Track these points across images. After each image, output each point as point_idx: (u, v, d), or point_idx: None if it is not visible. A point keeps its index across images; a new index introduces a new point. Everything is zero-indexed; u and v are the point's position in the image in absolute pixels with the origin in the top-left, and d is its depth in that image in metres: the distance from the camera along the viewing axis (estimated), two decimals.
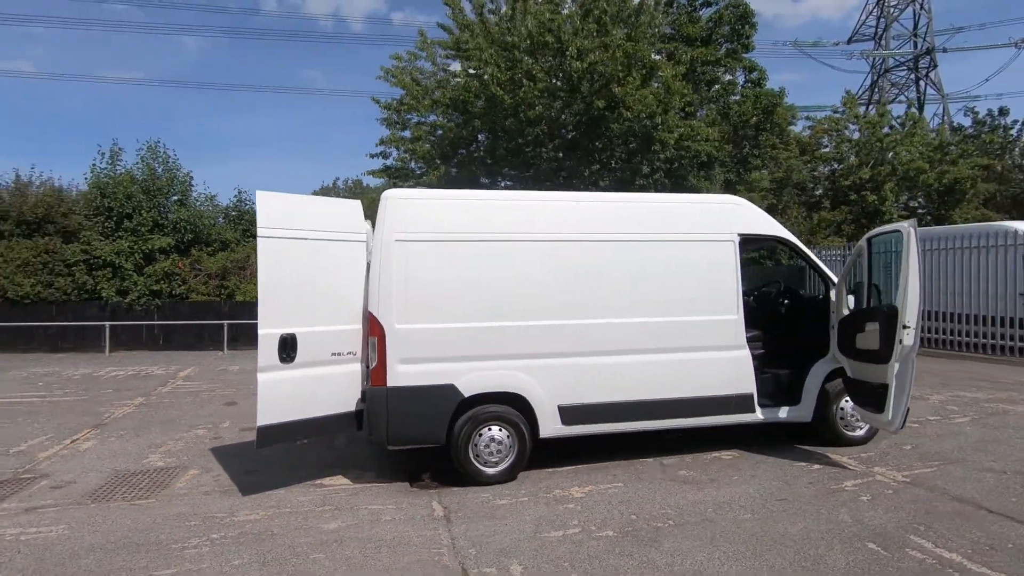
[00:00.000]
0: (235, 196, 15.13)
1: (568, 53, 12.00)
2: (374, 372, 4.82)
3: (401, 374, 4.83)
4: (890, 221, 20.37)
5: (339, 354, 4.87)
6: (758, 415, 5.58)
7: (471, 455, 4.99)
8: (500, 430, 5.05)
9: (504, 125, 13.29)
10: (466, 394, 4.95)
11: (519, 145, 13.74)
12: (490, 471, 5.02)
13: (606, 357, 5.24)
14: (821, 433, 5.84)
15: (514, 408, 5.07)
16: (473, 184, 15.28)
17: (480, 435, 5.01)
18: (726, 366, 5.47)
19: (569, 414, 5.17)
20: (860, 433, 5.83)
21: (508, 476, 5.05)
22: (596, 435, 5.36)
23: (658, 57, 15.62)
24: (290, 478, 5.18)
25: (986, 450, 5.56)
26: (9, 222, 12.66)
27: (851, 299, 5.71)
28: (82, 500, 4.70)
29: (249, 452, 5.63)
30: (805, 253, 5.95)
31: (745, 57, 17.37)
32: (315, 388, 4.75)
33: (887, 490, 4.58)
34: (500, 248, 5.07)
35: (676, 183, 16.22)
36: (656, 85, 13.39)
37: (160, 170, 14.23)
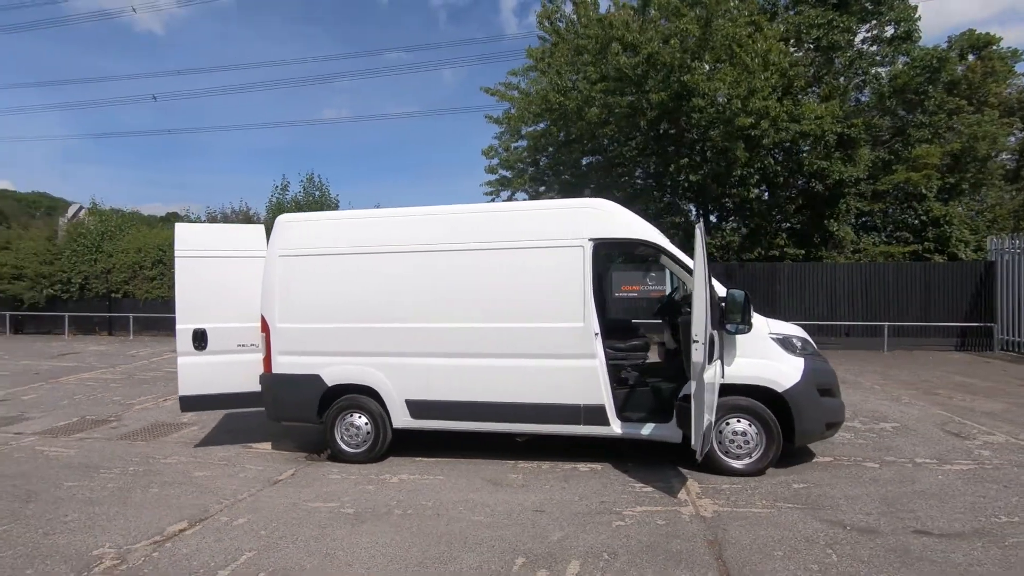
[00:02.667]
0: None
1: (611, 50, 11.64)
2: (264, 361, 6.04)
3: (282, 364, 5.97)
4: None
5: (244, 345, 6.23)
6: (615, 429, 5.28)
7: (337, 436, 5.88)
8: (359, 417, 5.83)
9: (574, 129, 13.39)
10: (328, 384, 5.86)
11: (595, 147, 13.64)
12: (351, 451, 5.84)
13: (450, 359, 5.59)
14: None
15: (374, 399, 5.81)
16: (569, 189, 15.61)
17: (344, 420, 5.87)
18: (571, 375, 5.31)
19: (416, 408, 5.69)
20: (739, 464, 5.04)
21: (367, 457, 5.79)
22: (459, 432, 5.76)
23: (771, 28, 13.79)
24: (239, 441, 6.72)
25: (891, 504, 4.35)
26: None
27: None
28: (111, 437, 6.92)
29: (247, 418, 7.34)
30: (675, 256, 5.35)
31: (901, 4, 14.13)
32: (224, 370, 6.18)
33: (659, 520, 4.12)
34: (358, 259, 5.84)
35: (793, 169, 14.21)
36: (723, 66, 12.00)
37: (317, 194, 17.86)
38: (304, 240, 6.00)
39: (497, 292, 5.48)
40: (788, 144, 13.17)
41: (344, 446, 5.85)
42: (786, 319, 14.24)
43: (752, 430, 5.06)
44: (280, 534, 4.05)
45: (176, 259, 6.08)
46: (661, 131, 14.10)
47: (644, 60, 11.78)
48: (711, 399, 4.64)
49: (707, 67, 11.84)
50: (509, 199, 16.53)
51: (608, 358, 5.42)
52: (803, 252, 14.65)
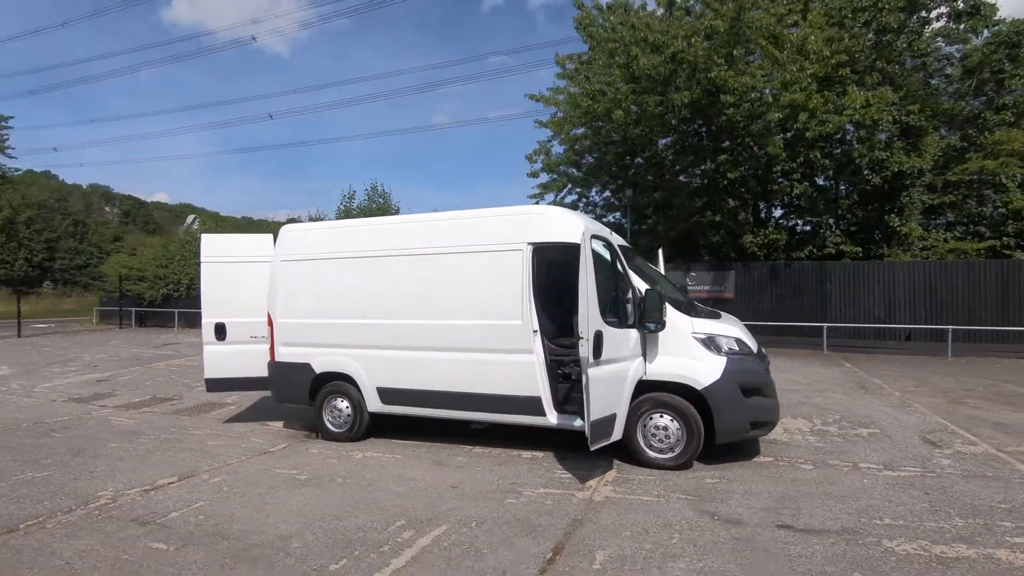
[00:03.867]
0: None
1: (631, 53, 11.69)
2: (270, 350, 7.09)
3: (283, 353, 6.98)
4: None
5: (256, 337, 7.30)
6: (550, 420, 5.67)
7: (325, 418, 6.78)
8: (342, 401, 6.69)
9: (605, 131, 13.54)
10: (317, 371, 6.76)
11: (629, 148, 13.68)
12: (335, 431, 6.71)
13: (411, 352, 6.26)
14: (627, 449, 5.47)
15: (353, 386, 6.64)
16: (613, 190, 15.75)
17: (330, 403, 6.75)
18: (512, 368, 5.76)
19: (385, 395, 6.44)
20: (662, 457, 5.26)
21: (348, 437, 6.62)
22: (420, 417, 6.43)
23: (810, 14, 13.05)
24: (260, 419, 7.87)
25: (783, 501, 4.40)
26: None
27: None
28: (167, 412, 8.35)
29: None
30: (621, 258, 5.55)
31: None
32: (240, 358, 7.29)
33: (549, 501, 4.51)
34: (338, 263, 6.68)
35: (843, 162, 13.39)
36: (754, 61, 11.59)
37: (380, 201, 19.38)
38: (299, 247, 6.95)
39: (449, 292, 6.06)
40: (836, 136, 12.44)
41: (330, 426, 6.73)
42: (837, 322, 13.65)
43: (673, 425, 5.25)
44: (236, 491, 4.93)
45: (201, 264, 7.29)
46: (698, 129, 13.85)
47: (669, 59, 11.71)
48: (617, 393, 4.94)
49: (736, 62, 11.49)
50: (554, 202, 16.95)
51: (551, 354, 5.82)
52: (860, 250, 13.69)
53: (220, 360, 7.29)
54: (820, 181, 13.92)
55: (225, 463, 5.80)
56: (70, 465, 5.71)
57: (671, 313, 5.34)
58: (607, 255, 5.18)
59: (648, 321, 5.15)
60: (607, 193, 16.35)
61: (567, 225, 5.83)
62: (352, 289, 6.55)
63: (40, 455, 6.06)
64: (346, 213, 19.24)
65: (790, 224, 14.82)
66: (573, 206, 18.24)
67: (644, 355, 5.36)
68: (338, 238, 6.80)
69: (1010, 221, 12.85)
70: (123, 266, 22.36)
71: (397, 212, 19.55)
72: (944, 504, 4.29)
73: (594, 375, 4.59)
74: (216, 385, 7.39)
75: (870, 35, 12.76)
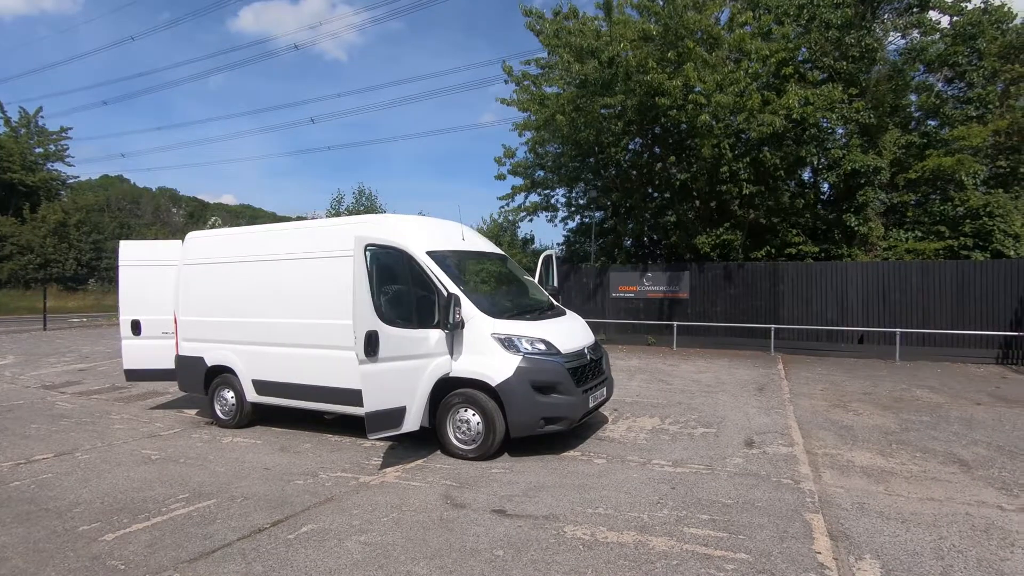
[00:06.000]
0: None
1: (565, 59, 11.93)
2: (176, 345, 7.92)
3: (184, 348, 7.79)
4: None
5: (167, 333, 8.15)
6: None
7: (216, 407, 7.54)
8: (227, 391, 7.43)
9: (555, 136, 13.83)
10: (209, 364, 7.53)
11: (581, 151, 13.90)
12: (224, 418, 7.46)
13: (275, 347, 6.92)
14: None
15: (236, 378, 7.36)
16: (576, 192, 16.00)
17: (219, 393, 7.51)
18: (347, 364, 6.29)
19: (259, 386, 7.13)
20: (466, 448, 5.71)
21: (234, 424, 7.36)
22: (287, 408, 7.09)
23: (743, 16, 12.82)
24: (181, 407, 8.73)
25: (529, 489, 4.78)
26: None
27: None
28: (110, 399, 9.32)
29: None
30: (421, 263, 5.97)
31: None
32: (154, 351, 8.16)
33: (328, 483, 5.05)
34: (223, 267, 7.42)
35: (791, 162, 13.21)
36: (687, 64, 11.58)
37: (367, 204, 20.27)
38: (197, 252, 7.73)
39: (301, 293, 6.68)
40: (781, 135, 12.28)
41: (220, 414, 7.48)
42: (790, 323, 13.45)
43: (475, 419, 5.69)
44: (87, 467, 5.70)
45: (119, 268, 8.19)
46: (654, 132, 13.94)
47: (606, 64, 11.88)
48: (407, 388, 5.42)
49: (677, 64, 11.56)
50: (522, 206, 17.37)
51: None
52: (817, 250, 13.45)
53: (136, 353, 8.18)
54: (774, 181, 13.75)
55: (108, 444, 6.61)
56: None
57: (475, 315, 5.77)
58: (405, 262, 5.67)
59: (450, 321, 5.60)
60: (574, 194, 16.62)
61: (398, 231, 6.34)
62: (232, 290, 7.27)
63: None
64: (336, 214, 20.24)
65: (746, 225, 14.66)
66: (551, 207, 18.57)
67: (451, 353, 5.81)
68: (226, 245, 7.53)
69: (967, 220, 12.30)
70: None
71: (383, 211, 20.52)
72: (674, 498, 4.56)
73: (366, 371, 5.09)
74: (134, 375, 8.29)
75: (815, 32, 12.47)
